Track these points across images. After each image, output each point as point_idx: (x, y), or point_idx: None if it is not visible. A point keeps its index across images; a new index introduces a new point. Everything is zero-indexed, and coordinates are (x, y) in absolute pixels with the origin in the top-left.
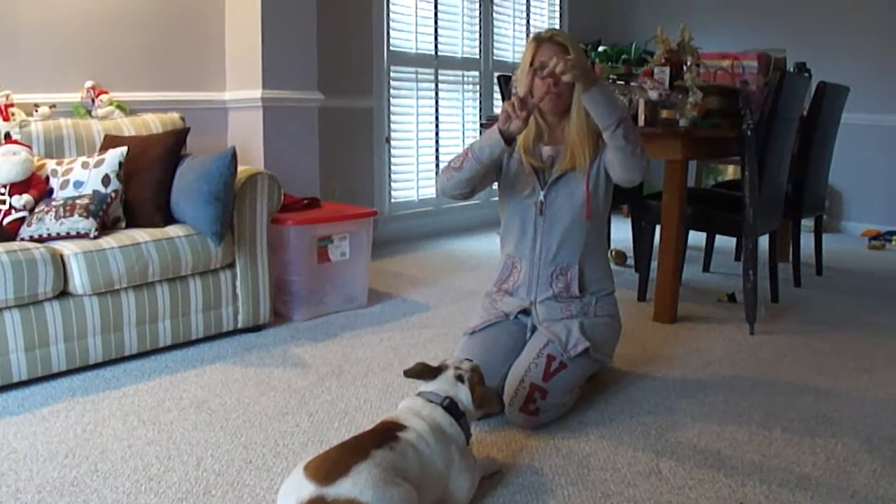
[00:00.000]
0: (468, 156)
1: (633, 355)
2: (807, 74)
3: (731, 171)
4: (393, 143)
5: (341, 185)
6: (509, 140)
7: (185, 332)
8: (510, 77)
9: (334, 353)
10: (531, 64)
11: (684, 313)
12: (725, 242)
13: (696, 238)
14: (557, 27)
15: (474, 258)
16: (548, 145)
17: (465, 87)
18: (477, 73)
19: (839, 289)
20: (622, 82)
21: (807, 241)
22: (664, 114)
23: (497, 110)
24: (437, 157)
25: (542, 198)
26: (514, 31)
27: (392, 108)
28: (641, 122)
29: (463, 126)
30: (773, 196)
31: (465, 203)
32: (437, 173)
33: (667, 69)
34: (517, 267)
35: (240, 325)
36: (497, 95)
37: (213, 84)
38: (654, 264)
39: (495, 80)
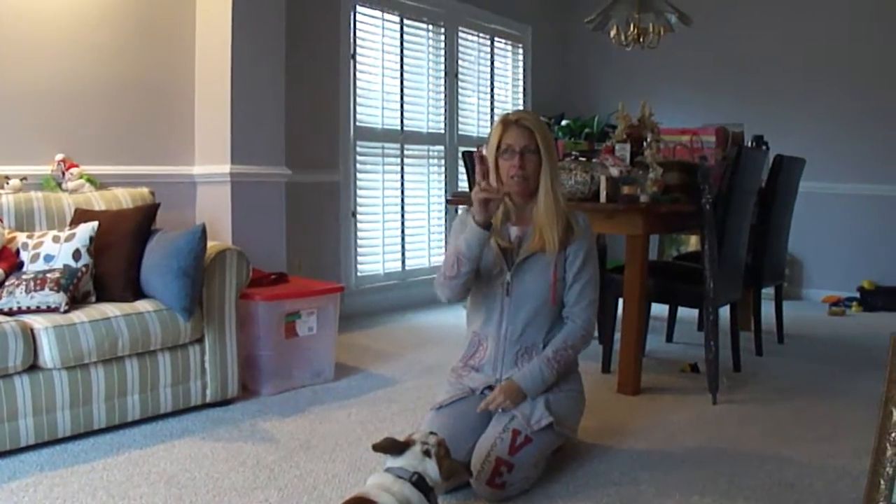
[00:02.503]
0: (458, 261)
1: (598, 427)
2: (764, 147)
3: (693, 241)
4: (359, 217)
5: (308, 260)
6: (488, 226)
7: (153, 406)
8: (473, 153)
9: (302, 428)
10: (497, 147)
11: (648, 384)
12: (688, 312)
13: (660, 308)
14: (521, 101)
15: (440, 332)
16: (516, 225)
17: (431, 161)
18: (442, 148)
19: (801, 356)
20: (584, 159)
21: (768, 310)
22: (625, 189)
23: (462, 185)
24: (402, 231)
25: (508, 278)
26: (478, 105)
27: (358, 183)
28: (603, 198)
29: (428, 200)
30: (734, 267)
31: (430, 276)
32: (403, 248)
33: (627, 146)
34: (483, 344)
35: (208, 400)
36: (462, 170)
37: (182, 158)
38: (617, 335)
39: (460, 156)
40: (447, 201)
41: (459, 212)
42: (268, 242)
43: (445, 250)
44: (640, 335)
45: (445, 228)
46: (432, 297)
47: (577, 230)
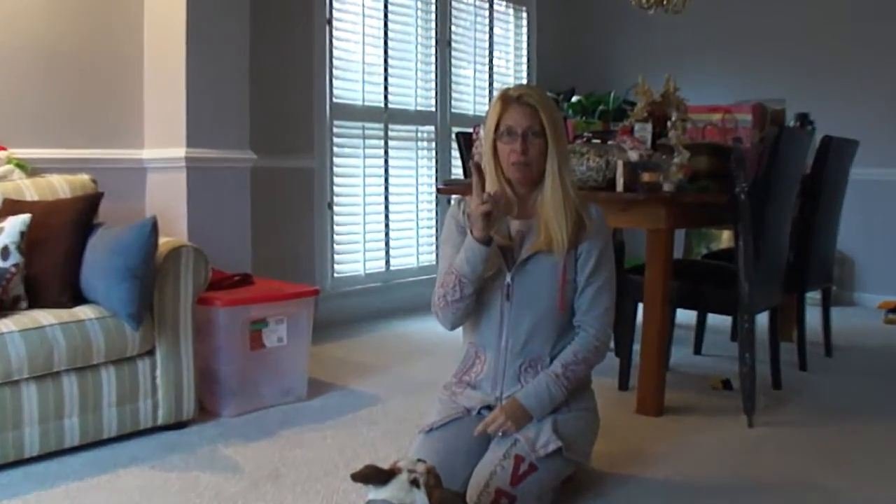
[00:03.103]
0: (460, 283)
1: (614, 453)
2: (810, 127)
3: (725, 237)
4: (336, 208)
5: (277, 259)
6: (489, 240)
7: (95, 430)
8: (471, 134)
9: (270, 454)
10: (496, 128)
11: (672, 403)
12: (720, 319)
13: (687, 314)
14: (525, 74)
15: (430, 342)
16: (517, 219)
17: (420, 143)
18: (432, 128)
19: (851, 371)
20: (598, 141)
21: (813, 317)
22: (646, 177)
23: (456, 171)
24: (386, 226)
25: (509, 280)
26: (475, 79)
27: (335, 169)
28: (620, 186)
29: (417, 189)
30: (773, 267)
31: (418, 278)
32: (387, 245)
33: (649, 126)
34: (481, 357)
35: (160, 422)
36: (456, 154)
37: (129, 141)
38: (636, 347)
39: (454, 138)
40: (438, 190)
41: (452, 203)
42: (230, 238)
43: (437, 257)
44: (663, 346)
45: (437, 222)
46: (421, 302)
47: (589, 225)
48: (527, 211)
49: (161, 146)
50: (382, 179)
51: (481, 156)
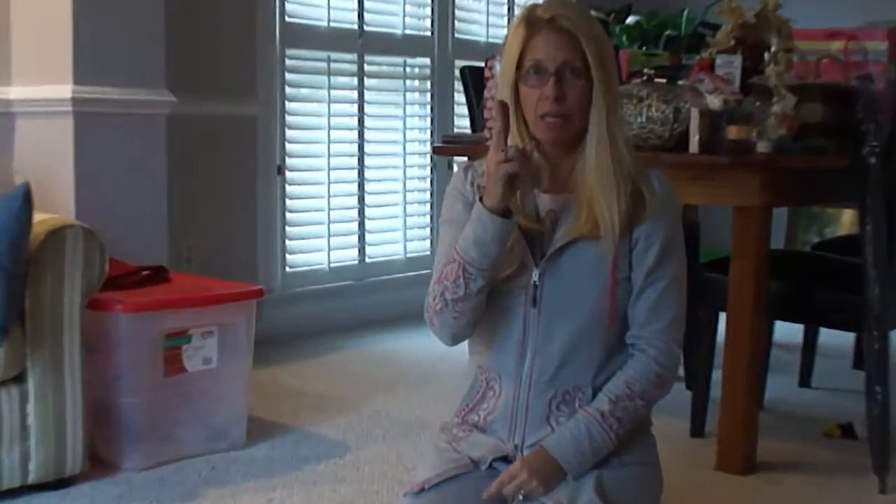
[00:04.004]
0: (464, 274)
1: None
2: None
3: (847, 220)
4: (289, 175)
5: (204, 246)
6: (509, 212)
7: None
8: (482, 70)
9: None
10: (518, 64)
11: (768, 457)
12: (838, 338)
13: (789, 329)
14: None
15: (422, 365)
16: (548, 193)
17: (410, 84)
18: (427, 61)
19: None
20: (664, 81)
21: None
22: (732, 132)
23: (461, 123)
24: (360, 200)
25: (536, 278)
26: None
27: (288, 119)
28: (695, 146)
29: (404, 149)
30: None
31: (405, 275)
32: (361, 227)
33: (738, 58)
34: (494, 387)
35: (32, 479)
36: (460, 98)
37: None
38: (717, 375)
39: (458, 75)
40: (435, 150)
41: (455, 170)
42: (137, 216)
43: (433, 244)
44: (754, 375)
45: (433, 196)
46: (409, 308)
47: (650, 200)
48: (561, 182)
49: (36, 83)
50: (355, 134)
51: (498, 64)
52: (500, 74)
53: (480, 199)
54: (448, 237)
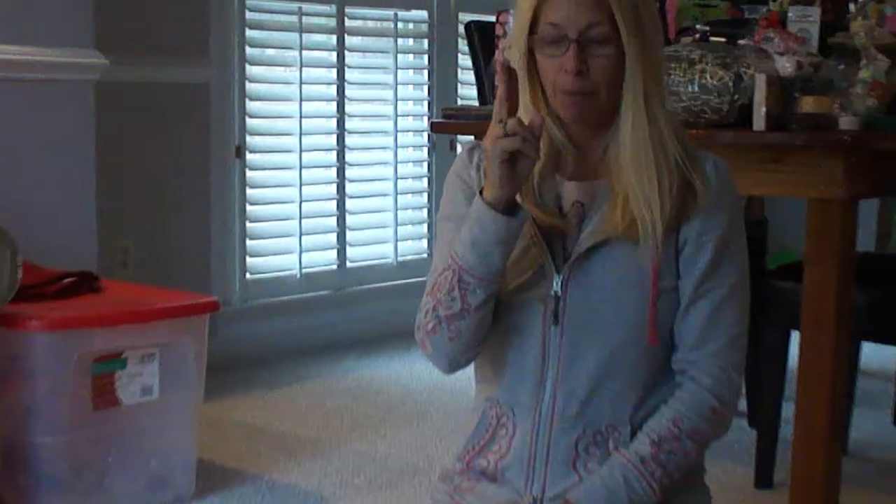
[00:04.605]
0: (460, 283)
1: None
2: None
3: None
4: (251, 158)
5: (144, 247)
6: (514, 207)
7: None
8: (492, 26)
9: None
10: (532, 26)
11: None
12: None
13: (881, 353)
14: None
15: (413, 396)
16: (573, 180)
17: (402, 43)
18: (424, 15)
19: None
20: (721, 39)
21: None
22: (807, 104)
23: (467, 94)
24: (340, 190)
25: (558, 288)
26: None
27: (250, 88)
28: (761, 121)
29: (395, 125)
30: None
31: (395, 283)
32: (340, 224)
33: (816, 10)
34: (506, 425)
35: None
36: (465, 61)
37: None
38: (788, 409)
39: (462, 32)
40: (434, 126)
41: (459, 151)
42: (59, 209)
43: (431, 245)
44: (836, 410)
45: (432, 185)
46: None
47: (702, 190)
48: (591, 166)
49: None
50: (334, 106)
51: (511, 21)
52: (512, 37)
53: (481, 191)
54: (447, 238)
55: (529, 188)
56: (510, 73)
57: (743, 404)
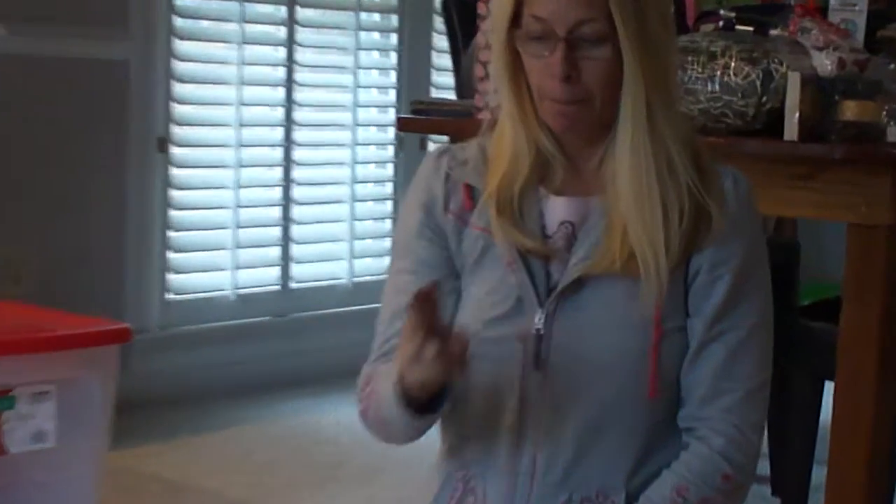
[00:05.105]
0: (382, 422)
1: None
2: None
3: None
4: (177, 152)
5: (40, 260)
6: (435, 403)
7: None
8: (475, 3)
9: None
10: (513, 19)
11: None
12: None
13: None
14: None
15: (366, 449)
16: (560, 195)
17: (365, 18)
18: None
19: None
20: (748, 28)
21: None
22: (849, 110)
23: (443, 83)
24: (286, 193)
25: (539, 325)
26: None
27: (177, 67)
28: (793, 130)
29: (354, 117)
30: None
31: (352, 309)
32: (285, 234)
33: None
34: (475, 491)
35: None
36: (441, 42)
37: None
38: (819, 474)
39: (439, 6)
40: (401, 123)
41: (429, 152)
42: None
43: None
44: (877, 474)
45: (396, 193)
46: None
47: (717, 214)
48: (582, 182)
49: None
50: (281, 93)
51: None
52: (492, 32)
53: (397, 379)
54: (399, 279)
55: (507, 205)
56: (423, 302)
57: (765, 468)
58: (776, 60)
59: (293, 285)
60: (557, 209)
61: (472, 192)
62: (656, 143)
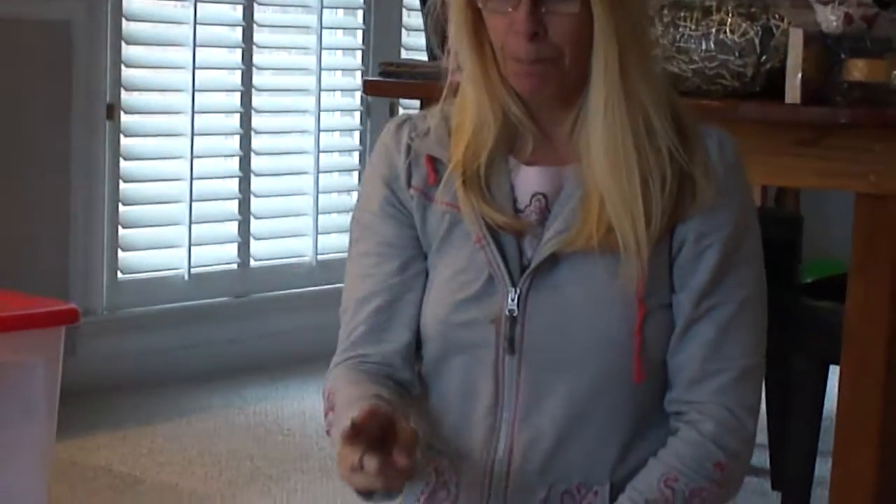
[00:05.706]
0: (333, 437)
1: None
2: None
3: None
4: (127, 120)
5: None
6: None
7: None
8: None
9: None
10: None
11: None
12: None
13: None
14: None
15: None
16: (531, 165)
17: None
18: None
19: None
20: None
21: None
22: (856, 70)
23: (414, 44)
24: (244, 165)
25: (512, 306)
26: None
27: (126, 27)
28: (795, 92)
29: (318, 80)
30: None
31: (311, 288)
32: (246, 217)
33: None
34: (448, 484)
35: None
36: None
37: None
38: (824, 466)
39: None
40: (368, 86)
41: (390, 124)
42: None
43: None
44: (884, 469)
45: (363, 164)
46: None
47: (702, 182)
48: (555, 150)
49: None
50: (238, 55)
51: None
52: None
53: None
54: (362, 262)
55: (474, 178)
56: (355, 433)
57: (764, 460)
58: (776, 16)
59: (253, 263)
60: (529, 180)
61: (435, 165)
62: (631, 103)
